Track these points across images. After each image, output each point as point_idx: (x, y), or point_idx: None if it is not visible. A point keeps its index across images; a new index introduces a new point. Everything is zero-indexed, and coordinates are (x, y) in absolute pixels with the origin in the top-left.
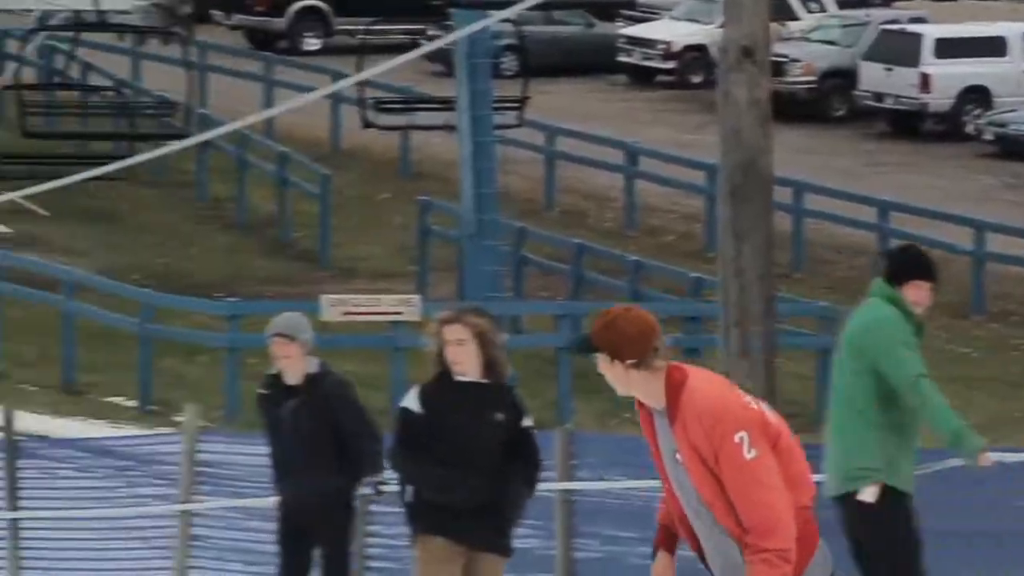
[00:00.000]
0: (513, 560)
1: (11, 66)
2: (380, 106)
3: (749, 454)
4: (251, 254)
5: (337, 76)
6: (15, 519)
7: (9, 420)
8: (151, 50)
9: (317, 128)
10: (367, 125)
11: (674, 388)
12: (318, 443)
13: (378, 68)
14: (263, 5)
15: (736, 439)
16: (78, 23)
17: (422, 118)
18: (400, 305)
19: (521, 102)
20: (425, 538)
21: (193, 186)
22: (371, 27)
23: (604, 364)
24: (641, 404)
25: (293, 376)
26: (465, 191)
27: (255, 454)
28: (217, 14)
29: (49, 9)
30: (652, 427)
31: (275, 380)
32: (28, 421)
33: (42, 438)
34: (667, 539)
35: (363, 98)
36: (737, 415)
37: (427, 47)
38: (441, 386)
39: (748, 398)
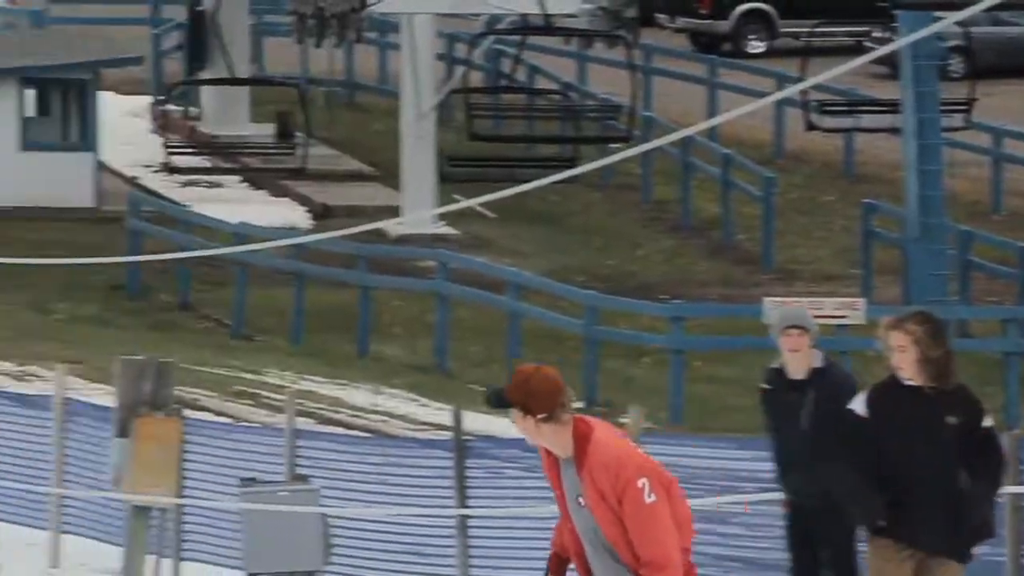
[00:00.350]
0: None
1: (459, 70)
2: (824, 108)
3: (649, 498)
4: (694, 256)
5: (781, 79)
6: (464, 516)
7: (458, 420)
8: (596, 53)
9: (761, 130)
10: (811, 127)
11: (581, 439)
12: (825, 438)
13: (832, 72)
14: (708, 8)
15: (639, 484)
16: (525, 27)
17: (867, 120)
18: (844, 308)
19: (968, 104)
20: (874, 538)
21: (639, 188)
22: (816, 29)
23: (517, 417)
24: (547, 452)
25: (799, 370)
26: (910, 194)
27: (699, 456)
28: (662, 17)
29: (497, 13)
30: (557, 473)
31: (778, 375)
32: (476, 421)
33: (489, 438)
34: (558, 565)
35: (807, 101)
36: (639, 463)
37: (878, 51)
38: (889, 390)
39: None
